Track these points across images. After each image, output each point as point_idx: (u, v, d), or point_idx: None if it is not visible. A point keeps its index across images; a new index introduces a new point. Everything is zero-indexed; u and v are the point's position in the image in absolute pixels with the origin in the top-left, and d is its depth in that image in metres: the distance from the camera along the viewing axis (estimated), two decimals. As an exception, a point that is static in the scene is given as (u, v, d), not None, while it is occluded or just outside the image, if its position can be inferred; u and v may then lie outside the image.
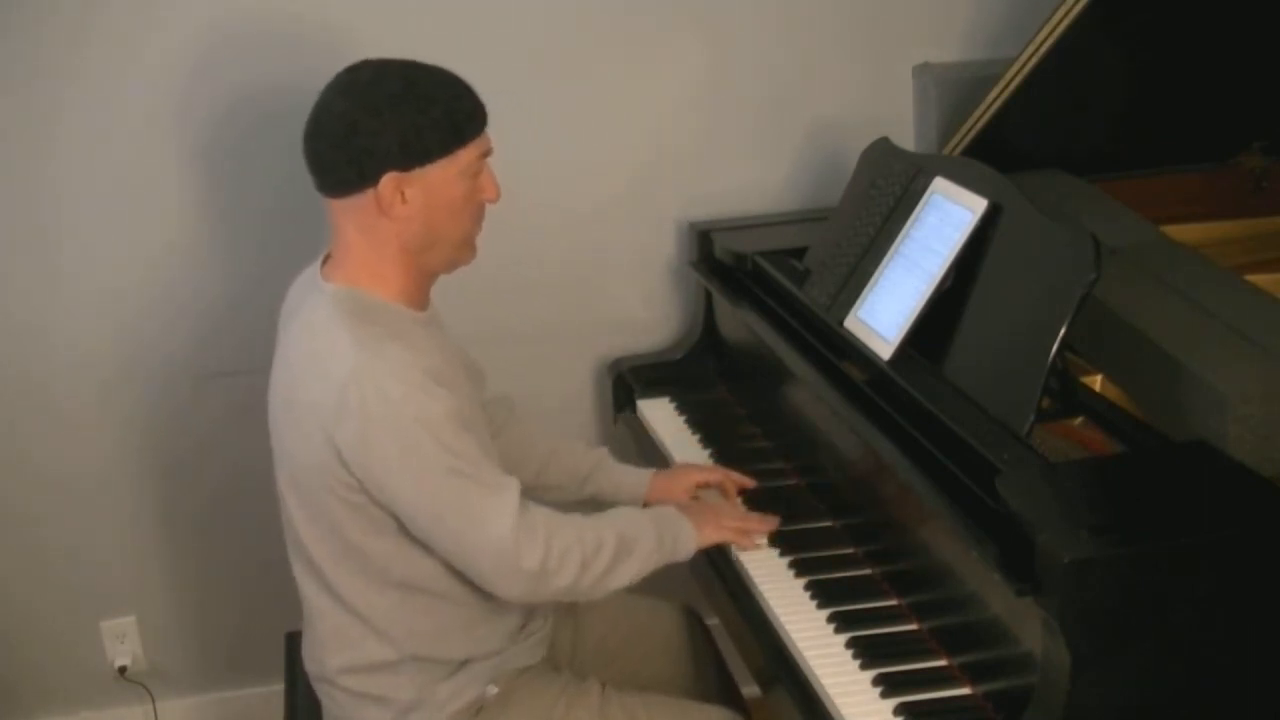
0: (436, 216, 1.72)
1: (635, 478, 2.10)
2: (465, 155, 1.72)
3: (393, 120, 1.66)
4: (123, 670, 2.70)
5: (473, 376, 1.91)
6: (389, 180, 1.67)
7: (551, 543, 1.71)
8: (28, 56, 2.32)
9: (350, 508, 1.71)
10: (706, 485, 2.10)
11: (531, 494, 2.01)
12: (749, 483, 2.12)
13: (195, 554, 2.68)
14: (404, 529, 1.72)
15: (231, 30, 2.36)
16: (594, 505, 2.07)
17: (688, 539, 1.89)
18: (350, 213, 1.72)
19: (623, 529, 1.81)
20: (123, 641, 2.70)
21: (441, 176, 1.70)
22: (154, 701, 2.73)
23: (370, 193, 1.69)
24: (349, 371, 1.64)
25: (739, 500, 2.09)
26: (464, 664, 1.82)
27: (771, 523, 1.99)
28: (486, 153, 1.76)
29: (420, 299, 1.80)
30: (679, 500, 2.05)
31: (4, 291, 2.44)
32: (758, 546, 1.96)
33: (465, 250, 1.80)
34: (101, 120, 2.38)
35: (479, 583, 1.75)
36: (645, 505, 2.06)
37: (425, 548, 1.74)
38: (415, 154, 1.68)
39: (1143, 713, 1.44)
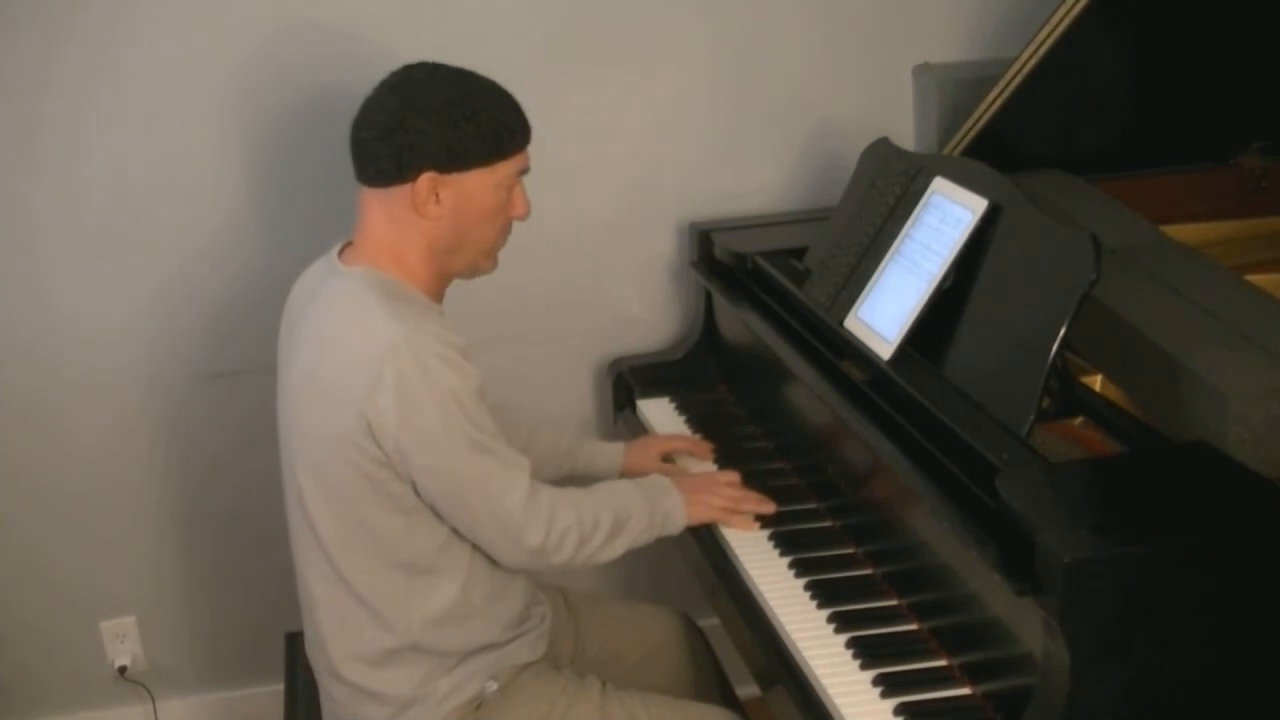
0: (465, 222, 1.78)
1: (610, 454, 2.19)
2: (503, 169, 1.78)
3: (440, 122, 1.72)
4: (123, 670, 2.70)
5: None
6: (426, 179, 1.73)
7: (554, 523, 1.79)
8: (29, 58, 2.32)
9: (369, 483, 1.73)
10: (675, 452, 2.20)
11: None
12: (708, 448, 2.21)
13: (196, 554, 2.68)
14: (418, 505, 1.76)
15: (241, 34, 2.36)
16: (572, 480, 2.10)
17: (678, 516, 1.95)
18: (383, 203, 1.77)
19: (617, 508, 1.88)
20: (123, 641, 2.70)
21: (477, 185, 1.76)
22: (154, 701, 2.73)
23: (406, 188, 1.74)
24: (389, 345, 1.68)
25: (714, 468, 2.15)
26: (464, 659, 1.83)
27: (768, 505, 2.02)
28: (524, 170, 1.82)
29: (437, 296, 1.85)
30: (651, 469, 2.12)
31: (7, 290, 2.44)
32: (746, 525, 2.00)
33: (487, 260, 1.86)
34: (104, 130, 2.38)
35: (483, 548, 1.80)
36: (624, 473, 2.16)
37: (433, 526, 1.77)
38: (456, 158, 1.73)
39: (1143, 712, 1.44)
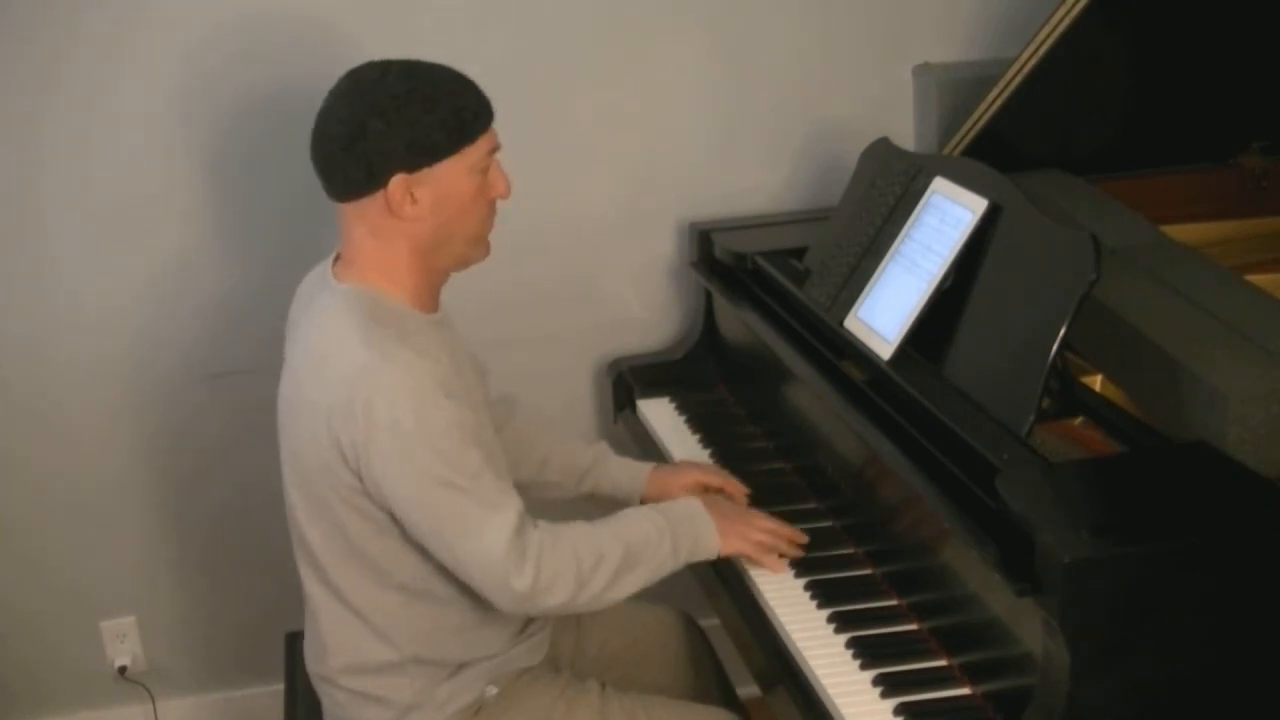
0: (447, 215, 1.72)
1: (632, 474, 2.08)
2: (473, 152, 1.71)
3: (398, 121, 1.65)
4: (123, 670, 2.70)
5: (478, 374, 1.92)
6: (398, 182, 1.67)
7: (542, 565, 1.70)
8: (27, 61, 2.32)
9: (352, 508, 1.71)
10: (705, 488, 2.06)
11: (531, 490, 2.03)
12: (744, 491, 2.08)
13: (196, 554, 2.68)
14: (405, 532, 1.72)
15: (239, 32, 2.36)
16: (592, 501, 2.09)
17: (709, 542, 1.85)
18: (360, 215, 1.72)
19: (631, 539, 1.78)
20: (123, 641, 2.70)
21: (450, 175, 1.70)
22: (154, 701, 2.73)
23: (379, 195, 1.69)
24: (358, 374, 1.64)
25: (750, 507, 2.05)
26: (464, 665, 1.82)
27: (800, 540, 1.93)
28: (495, 149, 1.75)
29: (431, 301, 1.79)
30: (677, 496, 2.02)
31: (8, 291, 2.44)
32: (780, 569, 1.90)
33: (478, 247, 1.80)
34: (105, 125, 2.38)
35: (475, 591, 1.75)
36: (645, 500, 2.05)
37: (426, 553, 1.74)
38: (422, 153, 1.67)
39: (1143, 712, 1.44)
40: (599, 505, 2.06)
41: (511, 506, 1.70)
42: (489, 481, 1.69)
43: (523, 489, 1.95)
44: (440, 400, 1.66)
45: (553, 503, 2.09)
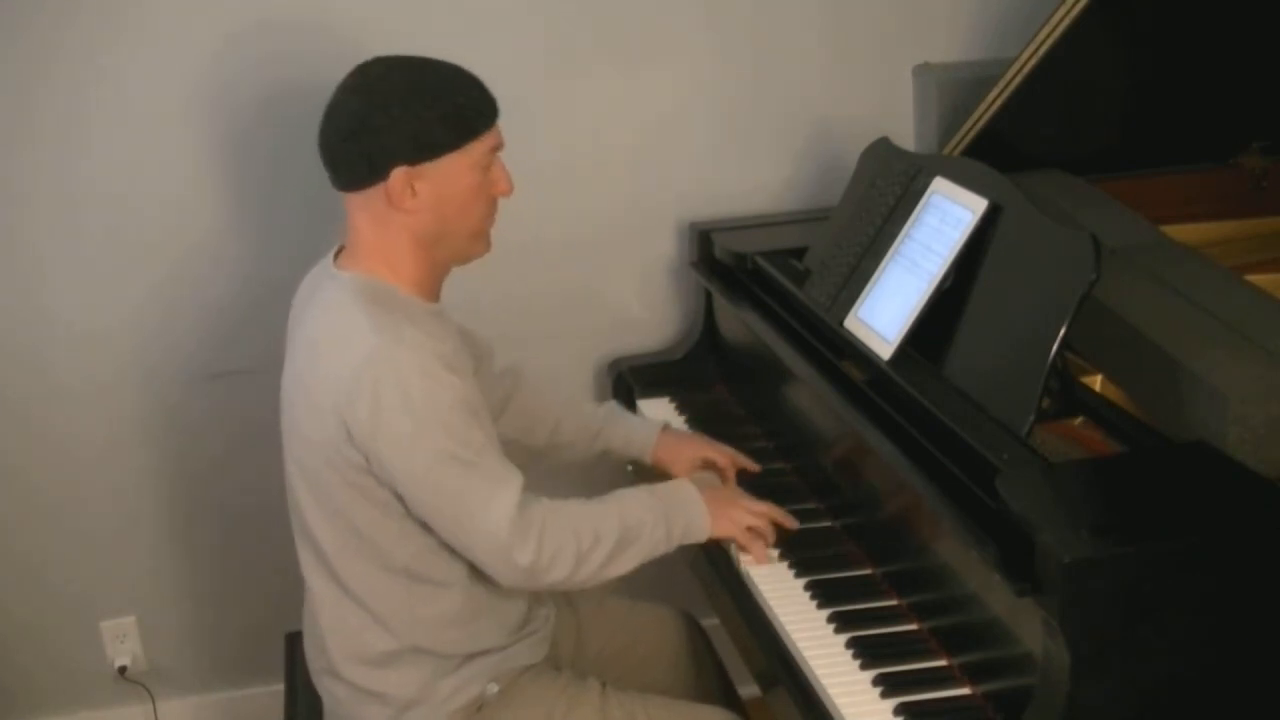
0: (447, 209, 1.75)
1: (644, 432, 2.14)
2: (476, 149, 1.74)
3: (402, 115, 1.69)
4: (123, 670, 2.70)
5: (480, 356, 1.96)
6: (398, 174, 1.70)
7: (544, 542, 1.73)
8: (26, 58, 2.32)
9: (356, 490, 1.72)
10: (710, 464, 2.11)
11: (546, 455, 2.10)
12: (754, 467, 2.13)
13: (196, 554, 2.68)
14: (408, 513, 1.74)
15: (244, 28, 2.36)
16: (606, 458, 2.14)
17: (700, 525, 1.89)
18: (363, 206, 1.75)
19: (627, 519, 1.81)
20: (123, 641, 2.70)
21: (451, 170, 1.73)
22: (154, 701, 2.73)
23: (381, 186, 1.72)
24: (366, 353, 1.67)
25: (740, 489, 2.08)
26: (465, 661, 1.83)
27: (789, 522, 1.96)
28: (498, 147, 1.78)
29: (433, 293, 1.82)
30: (681, 467, 2.08)
31: (8, 293, 2.44)
32: (765, 559, 1.92)
33: (478, 243, 1.82)
34: (106, 128, 2.38)
35: (477, 566, 1.77)
36: (653, 460, 2.12)
37: (428, 534, 1.76)
38: (424, 148, 1.70)
39: (1143, 713, 1.44)
40: (611, 461, 2.12)
41: (515, 482, 1.73)
42: (493, 457, 1.73)
43: (537, 455, 1.99)
44: (447, 377, 1.69)
45: (566, 467, 2.13)
